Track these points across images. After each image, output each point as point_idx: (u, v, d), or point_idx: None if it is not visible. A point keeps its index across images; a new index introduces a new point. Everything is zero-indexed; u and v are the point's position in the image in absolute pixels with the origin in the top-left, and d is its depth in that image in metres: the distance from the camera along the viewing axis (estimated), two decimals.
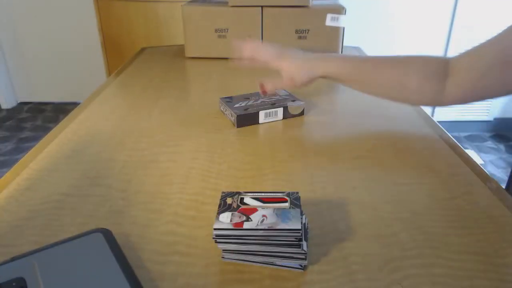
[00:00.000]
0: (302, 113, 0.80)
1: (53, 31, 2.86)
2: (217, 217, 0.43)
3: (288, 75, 0.72)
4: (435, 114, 2.82)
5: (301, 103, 0.79)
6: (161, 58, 1.24)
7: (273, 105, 0.77)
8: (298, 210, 0.44)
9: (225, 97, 0.82)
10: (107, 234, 0.45)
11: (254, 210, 0.44)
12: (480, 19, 2.55)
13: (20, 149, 2.45)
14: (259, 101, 0.79)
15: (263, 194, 0.47)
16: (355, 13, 2.55)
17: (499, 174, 2.19)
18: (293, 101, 0.80)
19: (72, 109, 0.84)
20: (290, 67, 0.72)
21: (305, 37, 1.19)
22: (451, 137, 0.72)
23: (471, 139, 2.71)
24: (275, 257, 0.43)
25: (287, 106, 0.78)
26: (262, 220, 0.42)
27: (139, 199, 0.55)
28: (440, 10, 2.56)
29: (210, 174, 0.61)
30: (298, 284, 0.41)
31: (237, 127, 0.75)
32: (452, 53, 2.64)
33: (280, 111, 0.77)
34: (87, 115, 0.83)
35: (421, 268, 0.43)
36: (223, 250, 0.43)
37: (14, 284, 0.38)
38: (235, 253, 0.43)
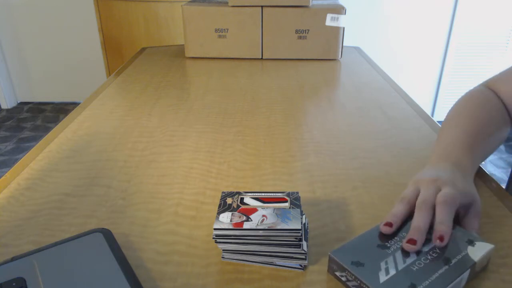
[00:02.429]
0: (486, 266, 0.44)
1: (53, 31, 2.86)
2: (217, 217, 0.43)
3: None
4: (435, 114, 2.83)
5: (489, 247, 0.42)
6: (161, 58, 1.24)
7: (448, 261, 0.41)
8: (298, 210, 0.44)
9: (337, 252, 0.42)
10: (107, 234, 0.45)
11: (254, 210, 0.44)
12: (480, 18, 2.56)
13: (20, 149, 2.44)
14: (412, 258, 0.41)
15: (263, 194, 0.47)
16: (355, 13, 2.55)
17: (499, 174, 2.19)
18: (472, 243, 0.43)
19: (72, 109, 0.84)
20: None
21: (305, 37, 1.19)
22: None
23: None
24: (275, 257, 0.43)
25: (474, 263, 0.41)
26: (262, 220, 0.42)
27: (139, 199, 0.55)
28: (440, 10, 2.56)
29: (210, 174, 0.61)
30: (298, 284, 0.41)
31: None
32: (452, 53, 2.64)
33: (465, 275, 0.40)
34: (87, 115, 0.83)
35: None
36: (223, 250, 0.43)
37: (14, 284, 0.38)
38: (235, 253, 0.43)
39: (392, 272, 0.39)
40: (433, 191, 0.46)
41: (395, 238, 0.43)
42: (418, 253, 0.41)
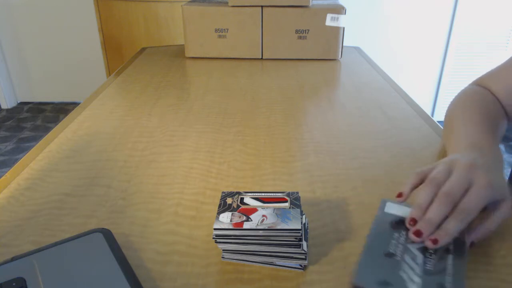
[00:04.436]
0: None
1: (53, 31, 2.86)
2: (217, 217, 0.43)
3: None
4: (435, 114, 2.83)
5: None
6: (161, 58, 1.24)
7: (448, 250, 0.42)
8: (298, 210, 0.44)
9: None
10: (107, 234, 0.45)
11: (254, 210, 0.44)
12: (480, 18, 2.55)
13: (20, 149, 2.44)
14: (419, 257, 0.41)
15: (263, 194, 0.47)
16: (355, 13, 2.55)
17: None
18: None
19: (72, 109, 0.84)
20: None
21: (305, 37, 1.19)
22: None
23: None
24: (275, 257, 0.43)
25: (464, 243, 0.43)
26: (262, 220, 0.42)
27: (139, 199, 0.55)
28: (440, 10, 2.56)
29: (210, 174, 0.61)
30: (298, 284, 0.41)
31: None
32: (452, 53, 2.64)
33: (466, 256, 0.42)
34: (87, 115, 0.83)
35: None
36: (223, 250, 0.43)
37: (14, 284, 0.38)
38: (235, 253, 0.43)
39: (417, 279, 0.39)
40: (463, 184, 0.43)
41: (392, 241, 0.43)
42: (421, 250, 0.42)
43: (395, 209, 0.49)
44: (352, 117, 0.81)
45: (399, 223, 0.46)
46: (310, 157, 0.66)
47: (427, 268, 0.40)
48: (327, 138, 0.72)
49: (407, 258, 0.41)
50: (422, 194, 0.44)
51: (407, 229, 0.45)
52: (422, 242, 0.42)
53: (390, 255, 0.42)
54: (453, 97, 0.68)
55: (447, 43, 2.64)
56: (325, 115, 0.82)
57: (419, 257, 0.41)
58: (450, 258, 0.41)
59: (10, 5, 2.80)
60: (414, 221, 0.43)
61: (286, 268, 0.43)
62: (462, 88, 0.70)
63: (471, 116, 0.58)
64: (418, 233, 0.42)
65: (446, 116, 0.65)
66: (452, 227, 0.41)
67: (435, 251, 0.42)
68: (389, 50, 2.67)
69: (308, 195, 0.56)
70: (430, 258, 0.41)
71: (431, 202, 0.44)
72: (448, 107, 0.66)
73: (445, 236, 0.41)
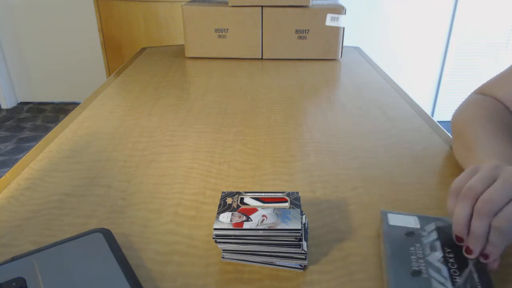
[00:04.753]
0: None
1: (53, 31, 2.86)
2: (217, 217, 0.43)
3: None
4: (435, 114, 2.83)
5: None
6: (161, 58, 1.24)
7: (466, 259, 0.42)
8: (298, 210, 0.44)
9: None
10: (107, 234, 0.45)
11: (254, 210, 0.44)
12: (480, 18, 2.55)
13: (20, 149, 2.44)
14: (444, 270, 0.40)
15: (263, 194, 0.47)
16: (355, 13, 2.55)
17: None
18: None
19: (72, 109, 0.84)
20: None
21: (305, 37, 1.19)
22: (451, 137, 0.72)
23: None
24: (275, 257, 0.43)
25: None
26: (262, 220, 0.42)
27: (139, 199, 0.55)
28: (440, 10, 2.56)
29: (210, 174, 0.61)
30: (298, 284, 0.41)
31: None
32: (452, 53, 2.64)
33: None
34: (87, 115, 0.83)
35: None
36: (223, 250, 0.43)
37: (14, 284, 0.38)
38: (235, 253, 0.43)
39: None
40: (509, 192, 0.39)
41: (412, 257, 0.42)
42: (441, 261, 0.41)
43: (399, 221, 0.48)
44: (352, 117, 0.81)
45: (410, 235, 0.45)
46: (310, 157, 0.66)
47: (456, 280, 0.39)
48: (327, 138, 0.72)
49: (433, 273, 0.40)
50: (457, 209, 0.41)
51: (420, 241, 0.44)
52: (475, 256, 0.41)
53: (416, 273, 0.40)
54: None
55: (447, 43, 2.64)
56: (325, 115, 0.82)
57: (443, 269, 0.40)
58: (470, 263, 0.41)
59: (10, 5, 2.80)
60: (459, 238, 0.42)
61: (286, 268, 0.43)
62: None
63: (494, 126, 0.55)
64: (468, 251, 0.40)
65: (457, 127, 0.62)
66: (499, 242, 0.39)
67: (455, 258, 0.41)
68: (389, 50, 2.67)
69: (308, 195, 0.56)
70: (453, 268, 0.40)
71: (469, 214, 0.41)
72: (455, 118, 0.64)
73: (496, 251, 0.39)
